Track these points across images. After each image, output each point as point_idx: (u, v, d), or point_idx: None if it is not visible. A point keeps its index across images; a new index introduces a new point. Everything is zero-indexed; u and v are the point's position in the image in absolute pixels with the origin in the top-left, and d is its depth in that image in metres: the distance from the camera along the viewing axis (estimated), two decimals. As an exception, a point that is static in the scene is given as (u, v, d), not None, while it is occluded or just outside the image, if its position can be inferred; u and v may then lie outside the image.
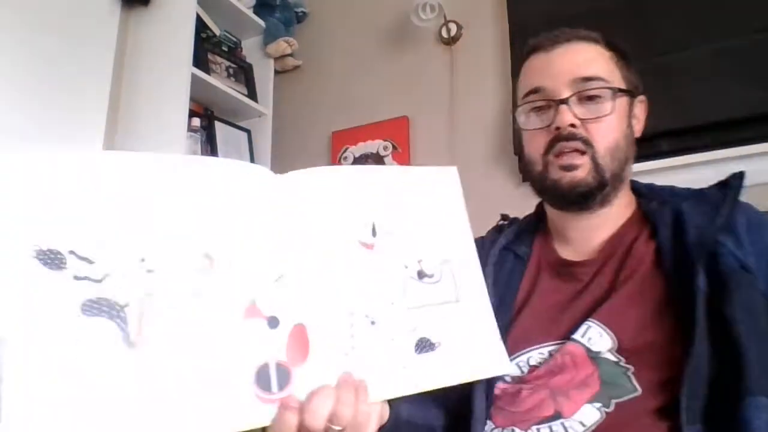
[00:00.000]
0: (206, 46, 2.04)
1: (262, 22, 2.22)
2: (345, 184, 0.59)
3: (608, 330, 0.69)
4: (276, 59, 2.24)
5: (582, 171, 0.75)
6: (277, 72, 2.27)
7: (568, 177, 0.75)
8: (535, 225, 0.89)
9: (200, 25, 1.98)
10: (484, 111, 1.90)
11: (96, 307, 0.44)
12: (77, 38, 1.77)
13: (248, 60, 2.24)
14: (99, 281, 0.45)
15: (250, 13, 2.20)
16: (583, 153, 0.75)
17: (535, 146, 0.78)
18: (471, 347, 0.60)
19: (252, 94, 2.15)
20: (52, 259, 0.44)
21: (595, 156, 0.75)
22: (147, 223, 0.48)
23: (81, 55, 1.77)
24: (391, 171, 0.64)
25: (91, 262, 0.45)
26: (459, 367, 0.58)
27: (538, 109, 0.79)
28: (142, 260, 0.47)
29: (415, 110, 2.03)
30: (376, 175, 0.63)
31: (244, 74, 2.17)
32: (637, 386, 0.65)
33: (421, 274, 0.60)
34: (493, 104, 1.90)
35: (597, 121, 0.75)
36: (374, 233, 0.59)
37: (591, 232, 0.80)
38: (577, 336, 0.70)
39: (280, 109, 2.24)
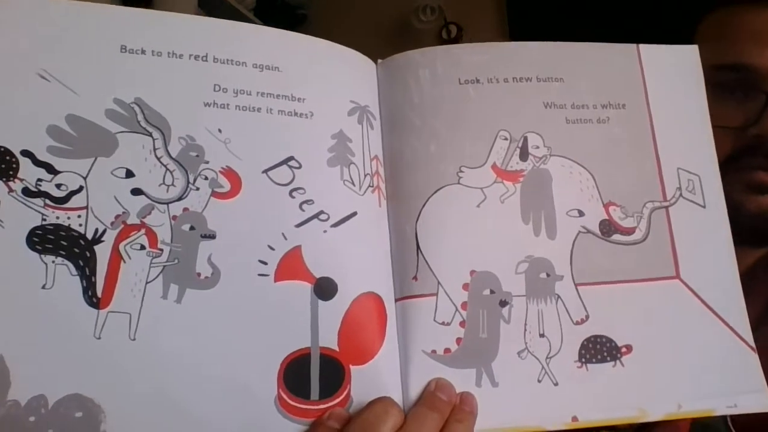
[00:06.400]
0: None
1: (262, 24, 2.22)
2: (484, 66, 0.38)
3: None
4: (276, 61, 2.25)
5: None
6: (277, 75, 2.27)
7: (758, 202, 0.48)
8: None
9: (200, 25, 1.98)
10: (485, 114, 1.90)
11: (51, 239, 0.30)
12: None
13: (248, 62, 2.24)
14: (60, 200, 0.31)
15: (250, 15, 2.19)
16: None
17: None
18: (694, 359, 0.35)
19: (251, 96, 2.15)
20: None
21: None
22: (144, 113, 0.32)
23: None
24: (566, 49, 0.40)
25: (53, 171, 0.31)
26: (666, 391, 0.35)
27: (727, 91, 0.48)
28: (130, 174, 0.32)
29: (415, 113, 2.03)
30: (539, 53, 0.39)
31: (243, 76, 2.17)
32: None
33: (607, 227, 0.36)
34: (493, 107, 1.89)
35: None
36: (524, 154, 0.37)
37: None
38: None
39: (279, 111, 2.24)
